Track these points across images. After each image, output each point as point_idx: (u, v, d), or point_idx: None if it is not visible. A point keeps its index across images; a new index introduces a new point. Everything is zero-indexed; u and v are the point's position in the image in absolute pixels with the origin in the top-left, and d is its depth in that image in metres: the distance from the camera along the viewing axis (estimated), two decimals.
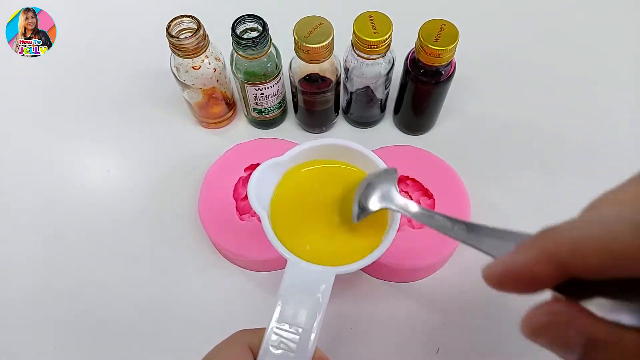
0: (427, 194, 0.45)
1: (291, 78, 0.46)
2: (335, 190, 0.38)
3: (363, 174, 0.39)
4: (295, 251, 0.35)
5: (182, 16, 0.42)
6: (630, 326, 0.16)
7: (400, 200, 0.33)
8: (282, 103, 0.50)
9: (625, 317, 0.16)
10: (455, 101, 0.52)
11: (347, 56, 0.45)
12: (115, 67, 0.57)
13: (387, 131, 0.53)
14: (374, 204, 0.34)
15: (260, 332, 0.31)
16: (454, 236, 0.27)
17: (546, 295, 0.19)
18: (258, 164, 0.46)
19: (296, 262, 0.34)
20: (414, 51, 0.43)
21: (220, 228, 0.44)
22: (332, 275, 0.33)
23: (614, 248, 0.16)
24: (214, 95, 0.49)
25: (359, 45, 0.41)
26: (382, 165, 0.37)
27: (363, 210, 0.34)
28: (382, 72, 0.44)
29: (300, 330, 0.31)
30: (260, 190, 0.36)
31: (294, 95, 0.49)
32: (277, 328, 0.31)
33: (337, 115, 0.52)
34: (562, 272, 0.17)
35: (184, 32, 0.43)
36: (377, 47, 0.41)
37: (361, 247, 0.35)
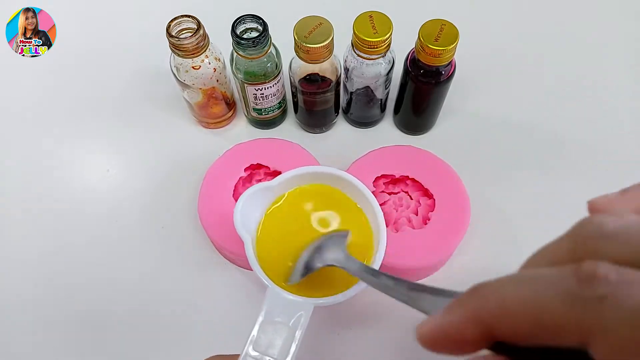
0: (427, 194, 0.45)
1: (291, 78, 0.46)
2: (322, 218, 0.38)
3: (352, 203, 0.39)
4: (277, 278, 0.34)
5: (182, 16, 0.42)
6: None
7: (349, 258, 0.33)
8: (282, 103, 0.50)
9: None
10: (455, 101, 0.52)
11: (347, 56, 0.45)
12: (115, 67, 0.57)
13: (387, 131, 0.53)
14: (320, 262, 0.34)
15: (234, 359, 0.31)
16: (397, 297, 0.24)
17: None
18: (258, 164, 0.47)
19: (276, 291, 0.34)
20: (414, 51, 0.43)
21: (220, 228, 0.44)
22: (311, 307, 0.33)
23: (543, 318, 0.14)
24: (214, 95, 0.49)
25: (359, 45, 0.41)
26: (370, 195, 0.38)
27: (308, 270, 0.34)
28: (382, 72, 0.44)
29: None
30: (248, 213, 0.36)
31: (294, 95, 0.49)
32: (250, 357, 0.31)
33: (337, 115, 0.52)
34: (490, 335, 0.15)
35: (184, 32, 0.43)
36: (377, 47, 0.41)
37: (343, 279, 0.35)
